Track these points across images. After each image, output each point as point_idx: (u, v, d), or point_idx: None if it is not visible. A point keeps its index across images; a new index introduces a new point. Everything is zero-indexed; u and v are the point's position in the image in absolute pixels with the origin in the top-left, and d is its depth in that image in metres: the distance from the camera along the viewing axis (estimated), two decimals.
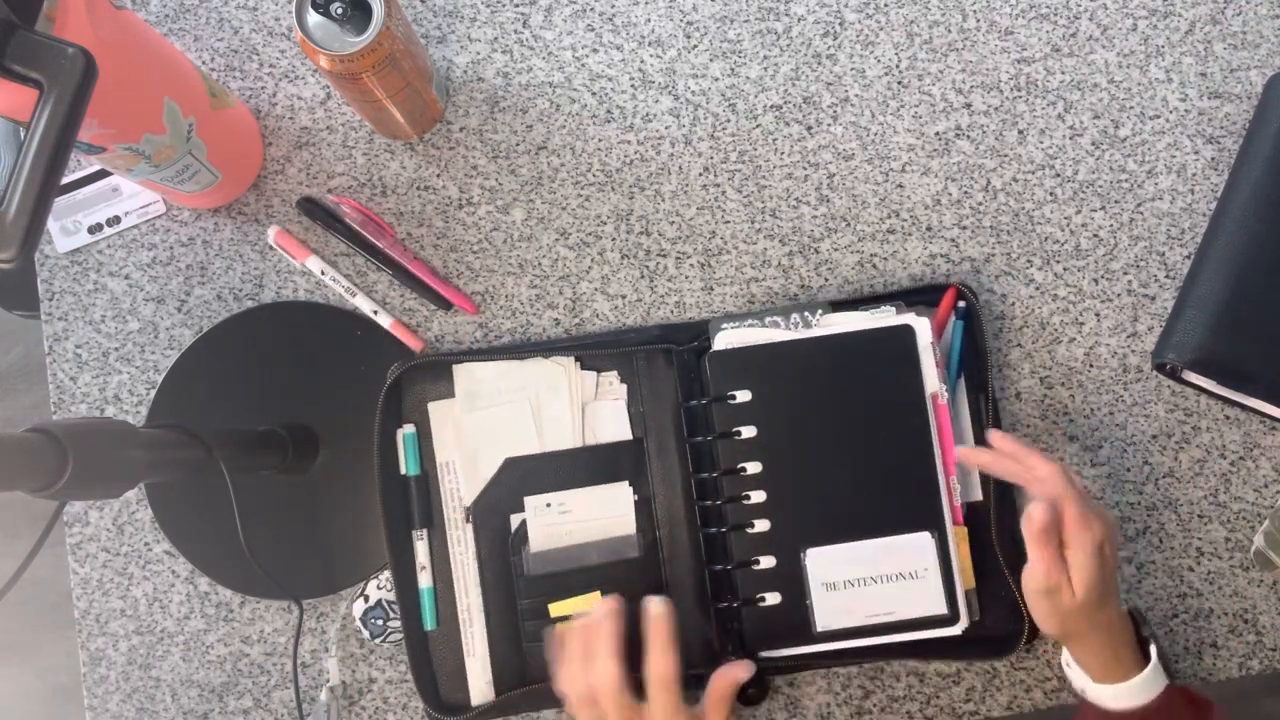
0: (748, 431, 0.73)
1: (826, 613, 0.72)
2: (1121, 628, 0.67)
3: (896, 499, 0.72)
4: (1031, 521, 0.64)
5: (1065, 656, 0.70)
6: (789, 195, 0.80)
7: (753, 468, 0.73)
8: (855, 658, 0.74)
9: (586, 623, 0.66)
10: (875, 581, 0.72)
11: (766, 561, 0.73)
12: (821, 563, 0.72)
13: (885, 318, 0.74)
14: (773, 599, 0.73)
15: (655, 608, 0.65)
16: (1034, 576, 0.65)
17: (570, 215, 0.81)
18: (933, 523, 0.72)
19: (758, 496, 0.73)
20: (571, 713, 0.65)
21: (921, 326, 0.73)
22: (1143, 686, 0.65)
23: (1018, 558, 0.74)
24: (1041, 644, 0.76)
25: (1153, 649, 0.66)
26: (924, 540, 0.72)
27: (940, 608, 0.72)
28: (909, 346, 0.73)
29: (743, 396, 0.73)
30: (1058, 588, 0.64)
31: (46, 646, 1.68)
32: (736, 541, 0.73)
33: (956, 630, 0.72)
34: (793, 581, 0.72)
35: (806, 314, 0.74)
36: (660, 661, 0.63)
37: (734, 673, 0.67)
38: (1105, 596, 0.65)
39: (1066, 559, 0.64)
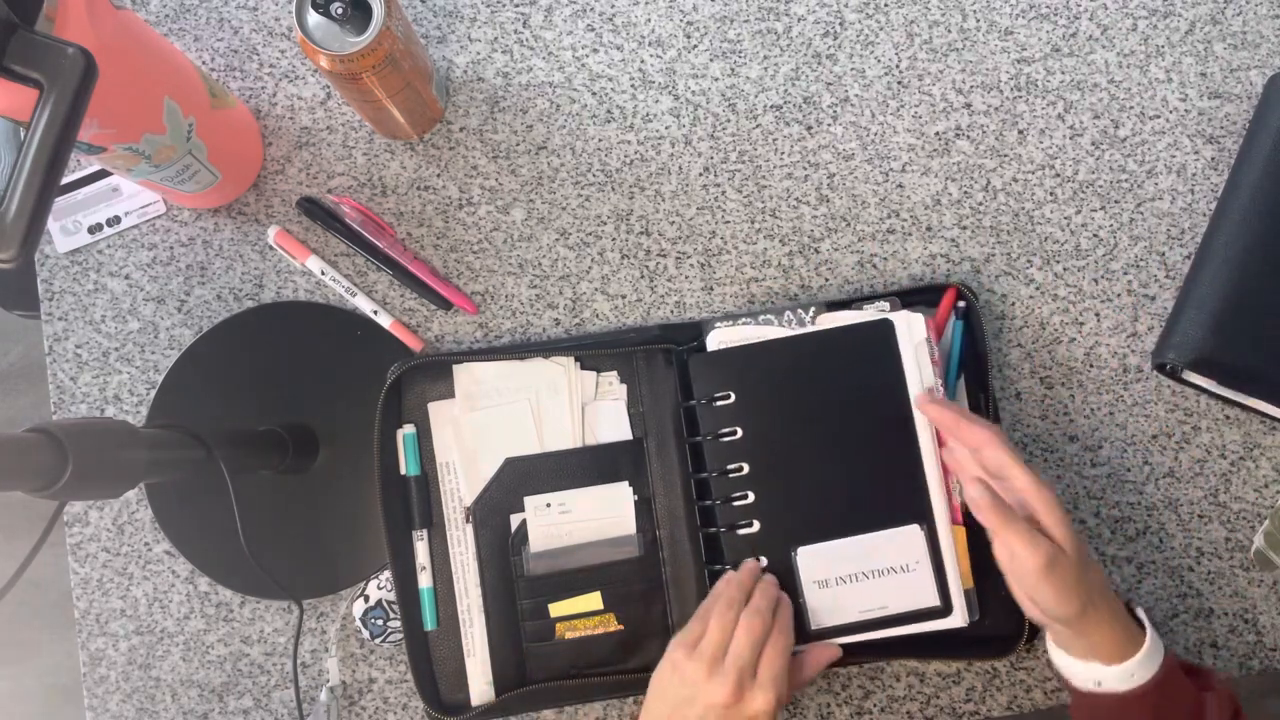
0: (734, 433, 0.73)
1: (820, 611, 0.72)
2: (1105, 587, 0.63)
3: (883, 493, 0.72)
4: (981, 505, 0.62)
5: (1060, 659, 0.66)
6: (789, 195, 0.80)
7: (741, 469, 0.73)
8: (855, 657, 0.74)
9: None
10: (866, 577, 0.72)
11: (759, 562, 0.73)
12: (812, 561, 0.72)
13: (870, 314, 0.73)
14: None
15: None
16: (1033, 554, 0.60)
17: (570, 215, 0.81)
18: (920, 515, 0.72)
19: (747, 498, 0.73)
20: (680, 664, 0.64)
21: (903, 321, 0.73)
22: (1150, 656, 0.61)
23: None
24: (1041, 644, 0.76)
25: (1139, 611, 0.63)
26: (913, 533, 0.72)
27: (932, 599, 0.71)
28: (888, 341, 0.72)
29: (728, 398, 0.73)
30: (1055, 556, 0.59)
31: (46, 646, 1.68)
32: (729, 543, 0.73)
33: (950, 622, 0.72)
34: (785, 581, 0.72)
35: (801, 313, 0.74)
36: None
37: (830, 652, 0.71)
38: (1087, 554, 0.62)
39: (1041, 525, 0.61)
